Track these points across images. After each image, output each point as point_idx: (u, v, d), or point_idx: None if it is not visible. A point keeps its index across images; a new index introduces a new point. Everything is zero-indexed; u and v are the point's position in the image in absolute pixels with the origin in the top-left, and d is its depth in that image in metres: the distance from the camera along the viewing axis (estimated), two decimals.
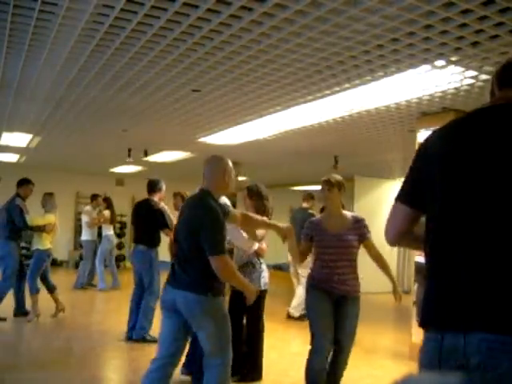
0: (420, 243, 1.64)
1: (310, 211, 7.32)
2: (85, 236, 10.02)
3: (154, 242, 5.80)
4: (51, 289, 6.82)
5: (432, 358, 1.48)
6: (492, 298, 1.36)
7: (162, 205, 5.83)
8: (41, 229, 6.69)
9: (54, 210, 6.92)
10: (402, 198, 1.69)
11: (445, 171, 1.53)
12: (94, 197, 10.05)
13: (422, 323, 1.54)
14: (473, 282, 1.40)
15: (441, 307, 1.49)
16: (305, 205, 7.67)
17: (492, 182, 1.42)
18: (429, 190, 1.57)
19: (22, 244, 7.67)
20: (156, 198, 5.87)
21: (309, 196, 7.76)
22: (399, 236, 1.72)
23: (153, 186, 5.92)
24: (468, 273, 1.42)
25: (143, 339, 5.57)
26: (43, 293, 6.71)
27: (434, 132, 1.65)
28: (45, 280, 6.78)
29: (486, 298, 1.37)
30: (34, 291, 6.59)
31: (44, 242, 6.71)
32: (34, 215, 6.93)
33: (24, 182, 6.85)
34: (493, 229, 1.40)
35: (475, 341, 1.35)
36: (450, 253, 1.49)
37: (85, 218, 10.00)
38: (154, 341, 5.58)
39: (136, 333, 5.61)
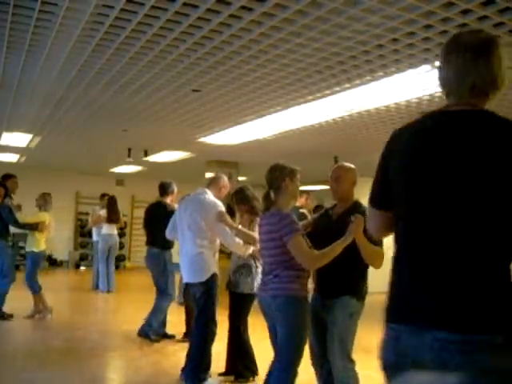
0: None
1: (301, 210, 7.18)
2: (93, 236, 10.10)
3: (168, 245, 5.80)
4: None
5: (389, 352, 1.57)
6: (445, 298, 1.42)
7: (176, 206, 5.84)
8: (33, 227, 6.57)
9: (49, 210, 6.83)
10: (372, 201, 1.74)
11: (411, 175, 1.55)
12: (103, 196, 9.98)
13: (385, 317, 1.62)
14: (430, 282, 1.46)
15: (401, 304, 1.55)
16: (297, 203, 7.59)
17: (454, 192, 1.45)
18: (395, 193, 1.61)
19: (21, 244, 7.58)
20: (168, 200, 5.91)
21: (301, 192, 7.58)
22: (380, 234, 1.86)
23: (165, 188, 5.95)
24: (426, 273, 1.47)
25: (147, 336, 5.58)
26: (47, 293, 6.69)
27: (399, 132, 1.67)
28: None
29: (441, 297, 1.42)
30: (37, 290, 6.56)
31: (39, 244, 6.63)
32: (28, 213, 6.86)
33: (8, 177, 6.71)
34: (449, 233, 1.45)
35: (428, 339, 1.41)
36: (412, 253, 1.53)
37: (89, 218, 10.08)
38: (155, 341, 5.60)
39: (142, 328, 5.61)
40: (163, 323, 5.88)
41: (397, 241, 1.60)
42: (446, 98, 1.62)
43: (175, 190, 6.00)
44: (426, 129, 1.58)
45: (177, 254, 5.90)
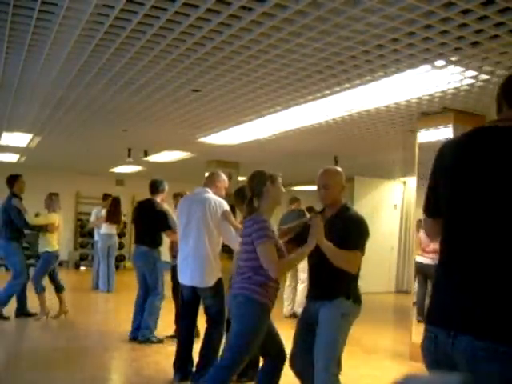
0: None
1: (300, 209, 7.37)
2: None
3: (157, 243, 5.77)
4: (60, 289, 6.76)
5: (428, 349, 1.63)
6: (483, 306, 1.47)
7: (166, 206, 5.81)
8: (43, 228, 6.58)
9: (58, 211, 6.81)
10: (424, 209, 1.85)
11: (452, 184, 1.64)
12: (106, 197, 9.91)
13: (425, 318, 1.70)
14: (467, 289, 1.53)
15: (439, 307, 1.63)
16: (293, 207, 7.72)
17: (496, 198, 1.52)
18: (442, 200, 1.71)
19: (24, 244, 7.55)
20: (158, 198, 5.86)
21: (295, 198, 7.89)
22: (434, 238, 1.88)
23: (156, 187, 5.88)
24: (464, 279, 1.54)
25: (148, 340, 5.56)
26: (46, 293, 6.68)
27: (448, 143, 1.77)
28: (54, 280, 6.75)
29: (478, 304, 1.48)
30: (40, 289, 6.53)
31: (52, 244, 6.63)
32: (29, 214, 6.81)
33: (15, 178, 6.64)
34: (487, 240, 1.52)
35: (463, 343, 1.48)
36: (453, 258, 1.61)
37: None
38: (158, 342, 5.58)
39: (141, 333, 5.59)
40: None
41: (440, 246, 1.70)
42: (497, 113, 1.71)
43: (166, 188, 5.96)
44: (470, 142, 1.66)
45: (165, 253, 5.92)
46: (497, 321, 1.43)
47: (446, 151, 1.74)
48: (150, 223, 5.73)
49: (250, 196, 3.15)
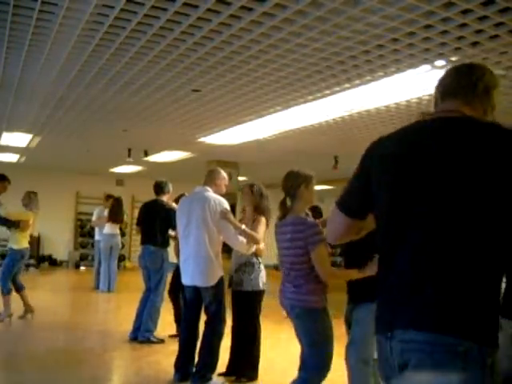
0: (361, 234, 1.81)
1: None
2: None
3: (165, 243, 5.79)
4: (18, 288, 6.60)
5: (379, 359, 1.59)
6: (414, 300, 1.43)
7: (174, 205, 5.83)
8: (14, 224, 6.41)
9: (36, 210, 6.71)
10: (341, 206, 1.72)
11: (391, 181, 1.55)
12: (108, 198, 9.93)
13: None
14: (401, 285, 1.49)
15: (379, 315, 1.60)
16: None
17: (433, 193, 1.46)
18: (375, 201, 1.61)
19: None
20: (164, 199, 5.89)
21: None
22: (339, 239, 1.82)
23: (162, 188, 5.93)
24: (398, 278, 1.50)
25: (148, 340, 5.56)
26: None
27: (380, 140, 1.69)
28: (14, 281, 6.54)
29: (409, 299, 1.44)
30: (6, 292, 6.40)
31: (19, 241, 6.49)
32: (13, 210, 6.70)
33: (1, 178, 6.58)
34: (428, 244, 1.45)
35: (395, 342, 1.44)
36: (389, 258, 1.55)
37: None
38: (159, 342, 5.59)
39: (141, 334, 5.60)
40: None
41: (377, 247, 1.62)
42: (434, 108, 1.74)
43: (171, 189, 6.00)
44: (409, 133, 1.67)
45: (172, 253, 5.90)
46: (441, 313, 1.38)
47: (385, 147, 1.64)
48: (161, 222, 5.74)
49: (284, 196, 3.20)
